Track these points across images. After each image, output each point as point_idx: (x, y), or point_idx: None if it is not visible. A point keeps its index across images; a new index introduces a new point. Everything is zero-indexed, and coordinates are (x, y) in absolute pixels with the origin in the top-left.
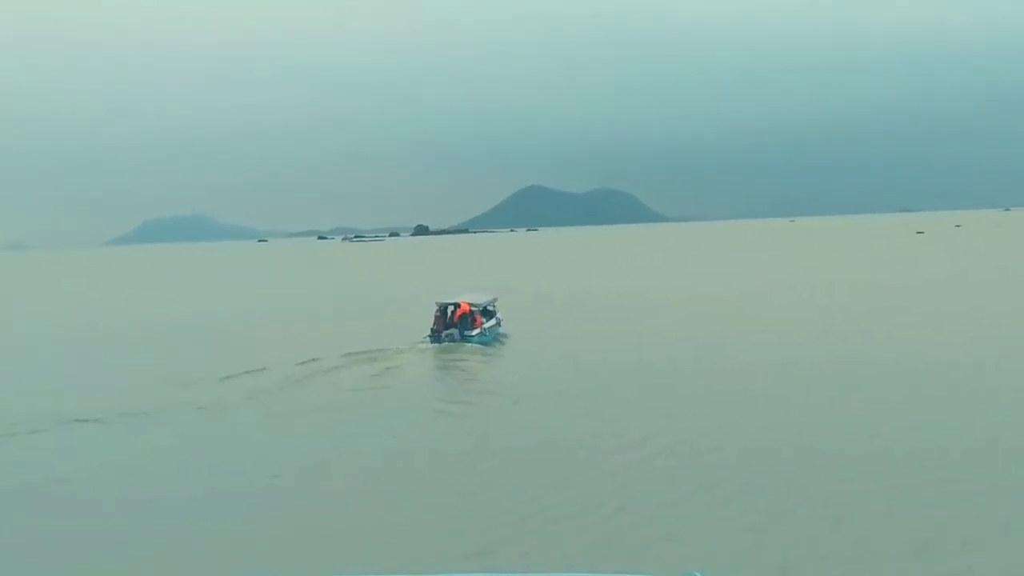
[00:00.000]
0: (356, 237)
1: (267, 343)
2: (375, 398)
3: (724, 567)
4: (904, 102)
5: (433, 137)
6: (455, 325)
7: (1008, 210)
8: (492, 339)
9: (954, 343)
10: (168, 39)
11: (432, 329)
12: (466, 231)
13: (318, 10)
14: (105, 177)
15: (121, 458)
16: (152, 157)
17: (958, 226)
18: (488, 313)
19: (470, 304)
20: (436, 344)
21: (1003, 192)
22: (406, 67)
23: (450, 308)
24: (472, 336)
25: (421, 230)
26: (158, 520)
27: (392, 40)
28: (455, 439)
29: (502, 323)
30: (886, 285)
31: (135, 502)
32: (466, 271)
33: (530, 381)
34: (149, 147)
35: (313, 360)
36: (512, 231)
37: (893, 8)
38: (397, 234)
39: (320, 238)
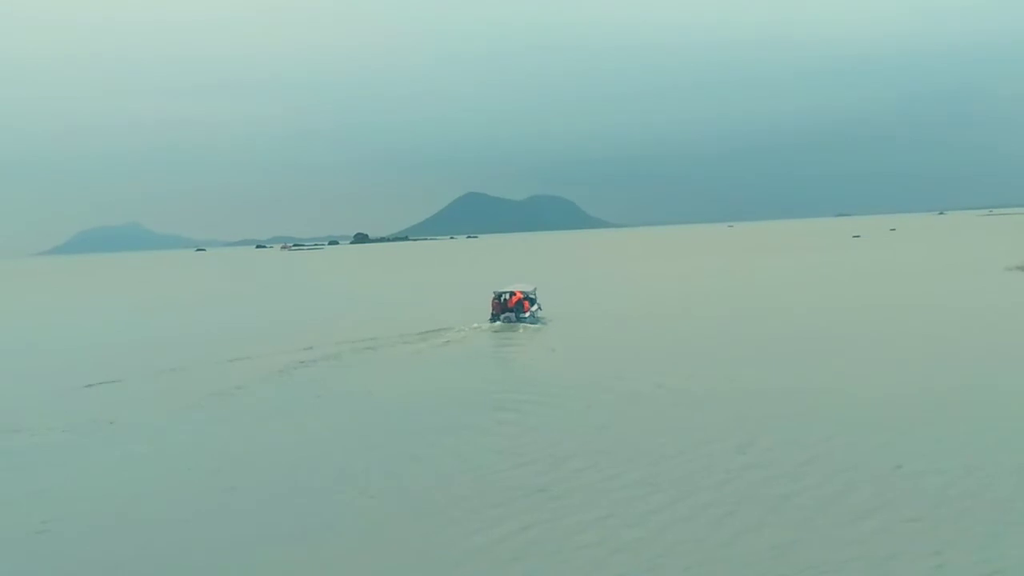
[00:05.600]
0: (295, 246)
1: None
2: (455, 358)
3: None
4: (844, 111)
5: (371, 147)
6: (511, 309)
7: (942, 213)
8: (536, 320)
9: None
10: (107, 52)
11: (492, 313)
12: (406, 238)
13: (258, 24)
14: (38, 188)
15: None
16: (87, 168)
17: (893, 229)
18: (532, 300)
19: (523, 292)
20: (496, 323)
21: (938, 196)
22: (344, 79)
23: (504, 295)
24: (524, 317)
25: (361, 238)
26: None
27: (331, 53)
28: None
29: (542, 308)
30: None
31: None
32: (446, 274)
33: (567, 346)
34: (85, 159)
35: (400, 335)
36: (452, 238)
37: (831, 18)
38: (336, 242)
39: (258, 247)
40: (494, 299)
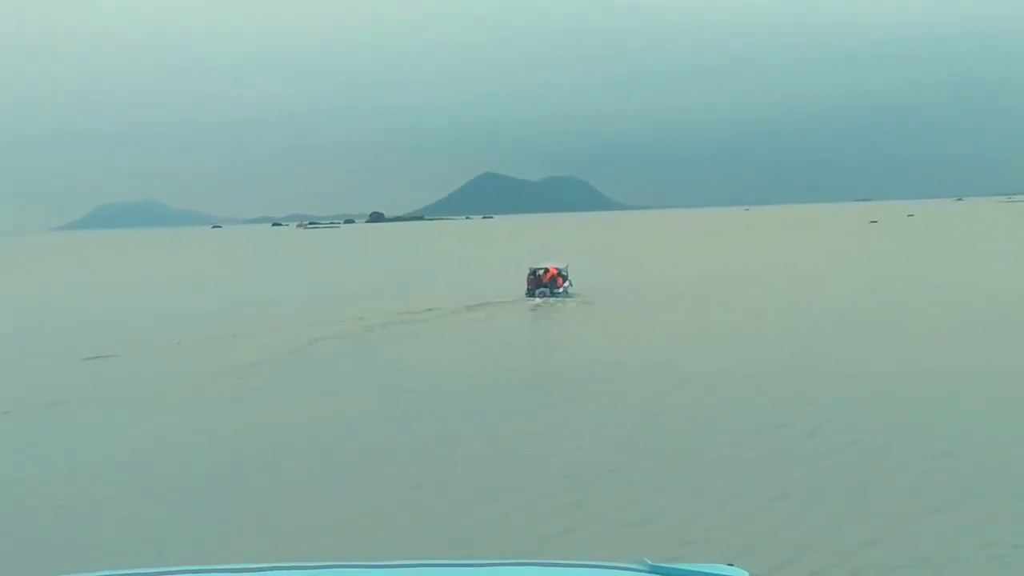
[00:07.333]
0: (311, 224)
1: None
2: (495, 331)
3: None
4: (862, 96)
5: (387, 126)
6: (546, 285)
7: (960, 199)
8: (569, 295)
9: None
10: (127, 28)
11: (528, 288)
12: (421, 218)
13: (276, 2)
14: (56, 163)
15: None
16: (105, 144)
17: (911, 215)
18: (564, 276)
19: (556, 269)
20: (532, 298)
21: (956, 182)
22: (361, 58)
23: (539, 271)
24: (559, 292)
25: (376, 217)
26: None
27: (348, 32)
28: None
29: (573, 284)
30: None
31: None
32: (471, 252)
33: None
34: (103, 134)
35: (439, 309)
36: (468, 218)
37: (852, 2)
38: (352, 220)
39: (274, 224)
40: (529, 275)
